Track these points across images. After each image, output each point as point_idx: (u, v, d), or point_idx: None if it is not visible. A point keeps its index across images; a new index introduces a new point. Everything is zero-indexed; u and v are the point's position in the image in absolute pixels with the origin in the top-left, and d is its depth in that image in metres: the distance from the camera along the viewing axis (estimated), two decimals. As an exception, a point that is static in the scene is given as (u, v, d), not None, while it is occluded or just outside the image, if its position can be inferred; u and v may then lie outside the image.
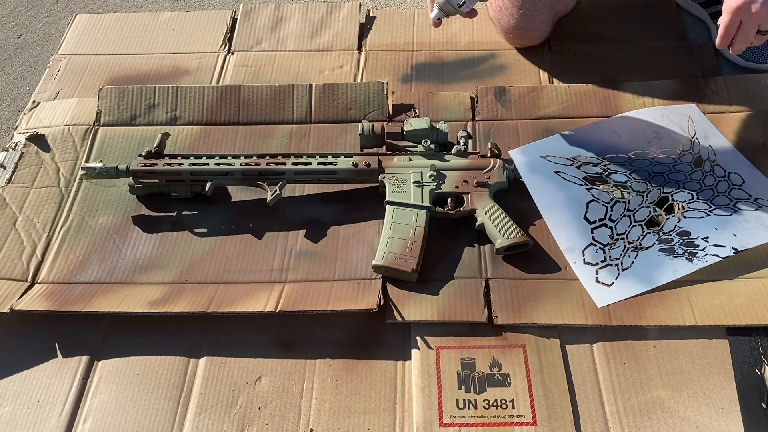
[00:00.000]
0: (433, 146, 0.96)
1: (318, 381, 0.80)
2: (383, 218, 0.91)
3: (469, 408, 0.76)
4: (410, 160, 0.96)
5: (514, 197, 0.94)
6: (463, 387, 0.78)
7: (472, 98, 1.08)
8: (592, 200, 0.92)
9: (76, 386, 0.80)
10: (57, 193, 0.99)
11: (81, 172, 0.98)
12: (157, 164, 0.94)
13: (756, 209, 0.90)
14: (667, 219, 0.90)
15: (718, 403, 0.76)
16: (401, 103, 1.09)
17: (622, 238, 0.88)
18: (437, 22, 0.98)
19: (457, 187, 0.93)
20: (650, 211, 0.90)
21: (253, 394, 0.79)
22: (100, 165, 0.95)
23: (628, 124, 0.99)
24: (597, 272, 0.86)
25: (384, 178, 0.94)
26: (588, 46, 1.18)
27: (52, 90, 1.16)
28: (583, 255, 0.87)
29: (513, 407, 0.76)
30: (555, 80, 1.12)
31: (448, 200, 0.93)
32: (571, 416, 0.75)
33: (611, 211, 0.91)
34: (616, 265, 0.86)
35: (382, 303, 0.83)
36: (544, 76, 1.13)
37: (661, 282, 0.84)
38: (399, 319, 0.82)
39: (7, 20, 1.53)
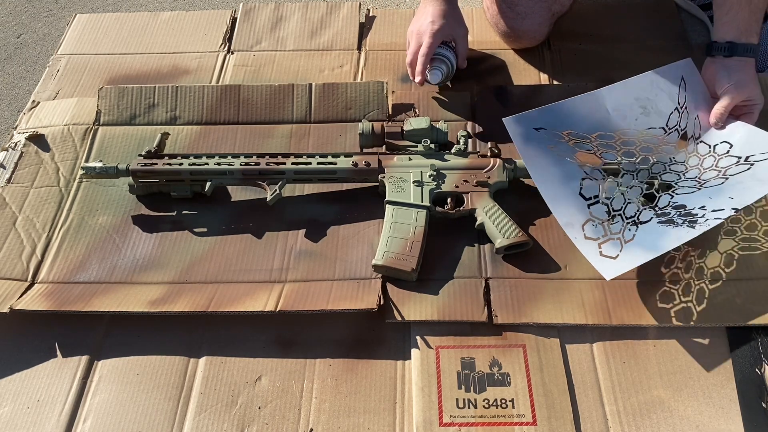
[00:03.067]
0: (432, 146, 0.96)
1: (318, 381, 0.80)
2: (383, 218, 0.91)
3: (469, 407, 0.76)
4: (410, 159, 0.96)
5: (514, 197, 0.94)
6: (463, 386, 0.78)
7: (471, 98, 1.08)
8: (585, 177, 0.90)
9: (76, 386, 0.80)
10: (57, 193, 0.99)
11: (81, 171, 0.98)
12: (156, 164, 0.94)
13: (748, 168, 0.89)
14: (660, 196, 0.89)
15: (718, 403, 0.76)
16: (401, 102, 1.09)
17: (620, 214, 0.87)
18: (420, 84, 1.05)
19: (456, 186, 0.93)
20: (642, 189, 0.90)
21: (253, 393, 0.79)
22: (99, 165, 0.95)
23: (616, 98, 0.97)
24: (600, 246, 0.83)
25: (384, 177, 0.94)
26: (588, 45, 1.18)
27: (52, 90, 1.16)
28: (583, 230, 0.85)
29: (513, 407, 0.76)
30: (555, 80, 1.12)
31: (448, 200, 0.93)
32: (570, 416, 0.75)
33: (605, 190, 0.90)
34: (618, 239, 0.84)
35: (381, 303, 0.83)
36: (543, 75, 1.13)
37: (667, 248, 0.81)
38: (399, 318, 0.82)
39: (7, 20, 1.53)
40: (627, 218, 0.86)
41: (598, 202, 0.88)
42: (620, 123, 0.96)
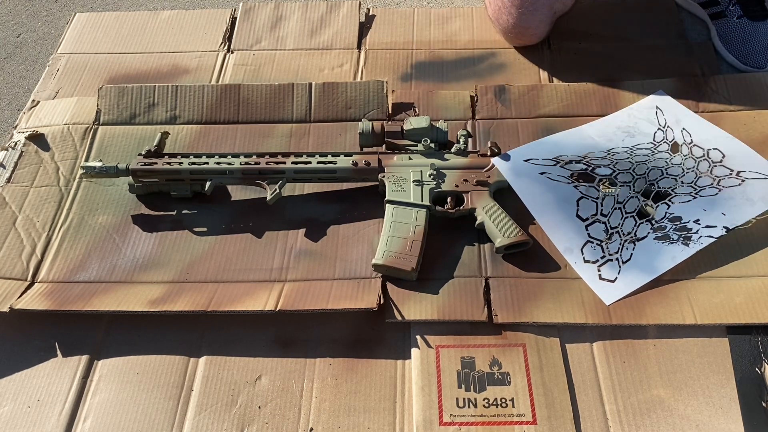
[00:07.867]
0: (432, 145, 0.96)
1: (318, 380, 0.80)
2: (383, 217, 0.91)
3: (469, 407, 0.76)
4: (410, 158, 0.96)
5: (513, 196, 0.94)
6: (463, 386, 0.78)
7: (471, 97, 1.08)
8: (582, 197, 0.92)
9: (76, 385, 0.80)
10: (57, 192, 0.99)
11: (81, 171, 0.98)
12: (156, 163, 0.94)
13: (740, 184, 0.91)
14: (657, 207, 0.90)
15: (717, 402, 0.76)
16: (401, 101, 1.09)
17: (617, 232, 0.89)
18: None
19: (456, 185, 0.93)
20: (639, 201, 0.91)
21: (253, 393, 0.79)
22: (99, 164, 0.95)
23: (599, 129, 1.01)
24: (599, 269, 0.86)
25: (384, 176, 0.94)
26: (588, 44, 1.18)
27: (52, 89, 1.16)
28: (582, 254, 0.87)
29: (513, 406, 0.76)
30: (555, 79, 1.12)
31: (448, 199, 0.93)
32: (571, 415, 0.75)
33: (602, 205, 0.91)
34: (616, 259, 0.86)
35: (382, 302, 0.83)
36: (543, 74, 1.13)
37: (662, 270, 0.84)
38: (399, 318, 0.82)
39: (7, 19, 1.53)
40: (624, 235, 0.88)
41: (596, 220, 0.90)
42: (608, 145, 0.99)
